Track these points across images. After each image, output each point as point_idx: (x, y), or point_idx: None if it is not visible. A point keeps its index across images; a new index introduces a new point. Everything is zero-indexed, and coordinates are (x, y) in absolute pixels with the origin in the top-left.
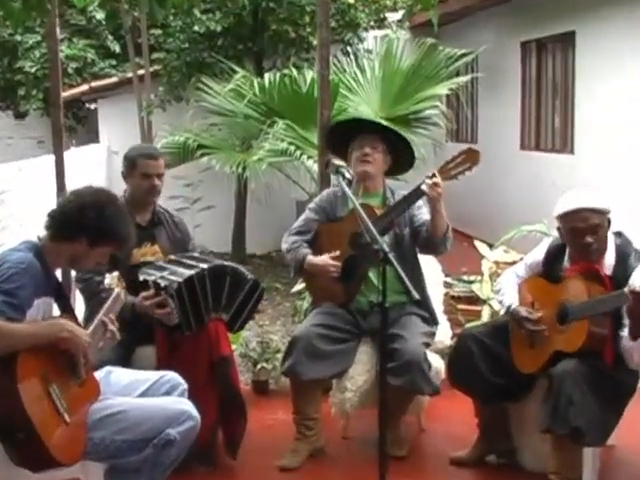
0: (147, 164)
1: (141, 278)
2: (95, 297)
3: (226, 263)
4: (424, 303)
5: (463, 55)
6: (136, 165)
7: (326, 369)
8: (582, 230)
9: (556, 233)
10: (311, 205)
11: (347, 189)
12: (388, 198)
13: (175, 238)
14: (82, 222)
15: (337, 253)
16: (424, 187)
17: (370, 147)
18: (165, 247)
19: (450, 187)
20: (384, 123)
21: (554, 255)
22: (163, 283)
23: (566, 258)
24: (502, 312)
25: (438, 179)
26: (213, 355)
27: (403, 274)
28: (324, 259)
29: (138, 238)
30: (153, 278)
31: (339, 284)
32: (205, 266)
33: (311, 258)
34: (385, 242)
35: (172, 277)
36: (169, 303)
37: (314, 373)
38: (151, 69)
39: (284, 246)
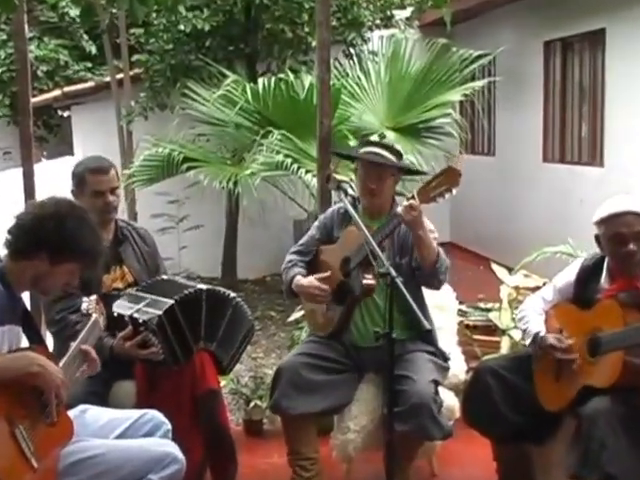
0: (97, 180)
1: (115, 313)
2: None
3: (232, 294)
4: (431, 340)
5: (479, 57)
6: (85, 182)
7: (317, 402)
8: (625, 237)
9: (587, 253)
10: (316, 222)
11: (350, 207)
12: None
13: (143, 253)
14: (40, 236)
15: (327, 274)
16: (399, 210)
17: (374, 178)
18: (134, 265)
19: (466, 205)
20: (389, 161)
21: (589, 274)
22: (141, 318)
23: (603, 276)
24: (527, 342)
25: (415, 202)
26: (197, 388)
27: (411, 300)
28: (310, 280)
29: (105, 262)
30: (129, 313)
31: (328, 311)
32: (202, 287)
33: (299, 279)
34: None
35: (150, 309)
36: (151, 340)
37: (303, 407)
38: (131, 73)
39: (283, 265)
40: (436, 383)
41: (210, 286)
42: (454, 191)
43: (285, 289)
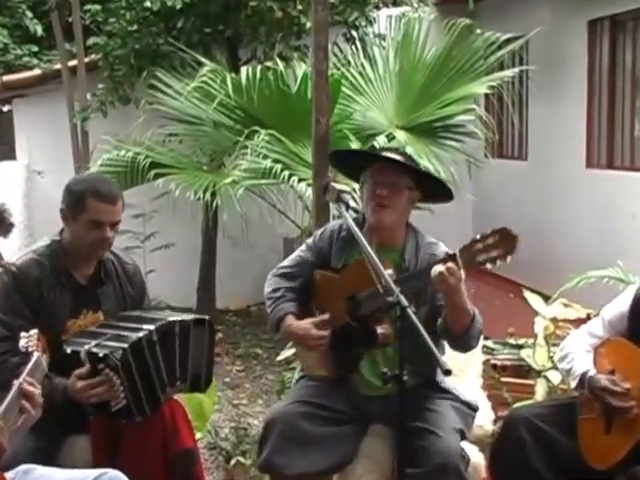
0: (100, 209)
1: (68, 350)
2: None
3: (186, 316)
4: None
5: (508, 41)
6: (85, 206)
7: (316, 460)
8: None
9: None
10: (309, 240)
11: (353, 224)
12: (405, 260)
13: (126, 297)
14: None
15: (326, 316)
16: (432, 273)
17: (387, 186)
18: (112, 313)
19: (492, 218)
20: (405, 158)
21: None
22: (101, 352)
23: None
24: (572, 384)
25: (454, 265)
26: (170, 448)
27: (426, 335)
28: (305, 328)
29: (75, 304)
30: (86, 348)
31: (328, 356)
32: (151, 327)
33: (290, 322)
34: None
35: (112, 343)
36: (113, 380)
37: (301, 466)
38: (86, 59)
39: (266, 289)
40: (462, 433)
41: (164, 320)
42: (508, 259)
43: (271, 325)
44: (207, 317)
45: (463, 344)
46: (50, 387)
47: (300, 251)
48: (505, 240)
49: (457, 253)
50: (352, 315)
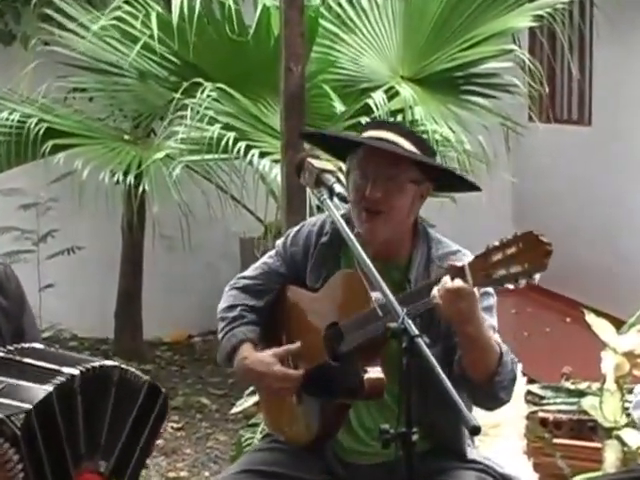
0: None
1: None
2: None
3: (108, 363)
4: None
5: None
6: None
7: None
8: None
9: None
10: (279, 243)
11: (341, 219)
12: (411, 279)
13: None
14: None
15: (296, 345)
16: (435, 293)
17: (381, 183)
18: None
19: (540, 209)
20: (412, 140)
21: None
22: None
23: None
24: None
25: (462, 283)
26: None
27: (444, 375)
28: (268, 362)
29: None
30: None
31: (300, 405)
32: (74, 372)
33: (245, 354)
34: None
35: (8, 401)
36: (7, 454)
37: None
38: None
39: (220, 304)
40: None
41: (79, 366)
42: (537, 278)
43: (221, 358)
44: (163, 390)
45: (487, 397)
46: None
47: (267, 257)
48: (532, 249)
49: (466, 266)
50: (331, 351)
